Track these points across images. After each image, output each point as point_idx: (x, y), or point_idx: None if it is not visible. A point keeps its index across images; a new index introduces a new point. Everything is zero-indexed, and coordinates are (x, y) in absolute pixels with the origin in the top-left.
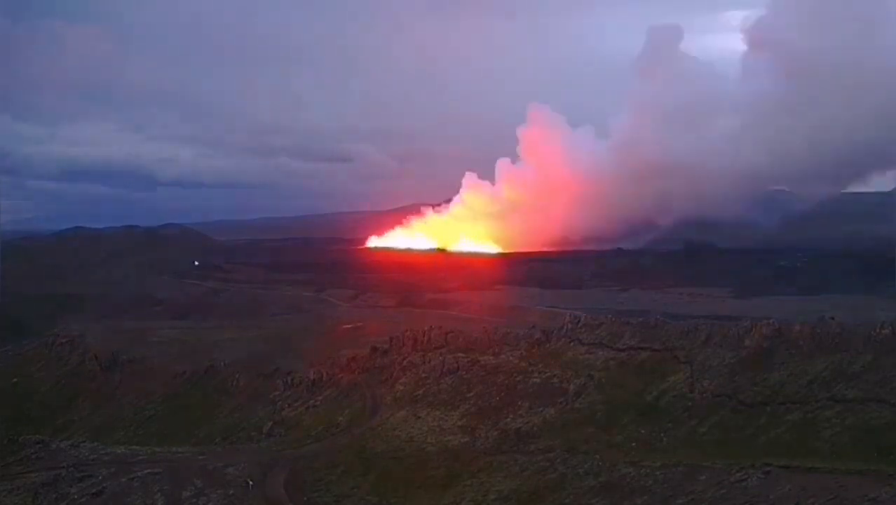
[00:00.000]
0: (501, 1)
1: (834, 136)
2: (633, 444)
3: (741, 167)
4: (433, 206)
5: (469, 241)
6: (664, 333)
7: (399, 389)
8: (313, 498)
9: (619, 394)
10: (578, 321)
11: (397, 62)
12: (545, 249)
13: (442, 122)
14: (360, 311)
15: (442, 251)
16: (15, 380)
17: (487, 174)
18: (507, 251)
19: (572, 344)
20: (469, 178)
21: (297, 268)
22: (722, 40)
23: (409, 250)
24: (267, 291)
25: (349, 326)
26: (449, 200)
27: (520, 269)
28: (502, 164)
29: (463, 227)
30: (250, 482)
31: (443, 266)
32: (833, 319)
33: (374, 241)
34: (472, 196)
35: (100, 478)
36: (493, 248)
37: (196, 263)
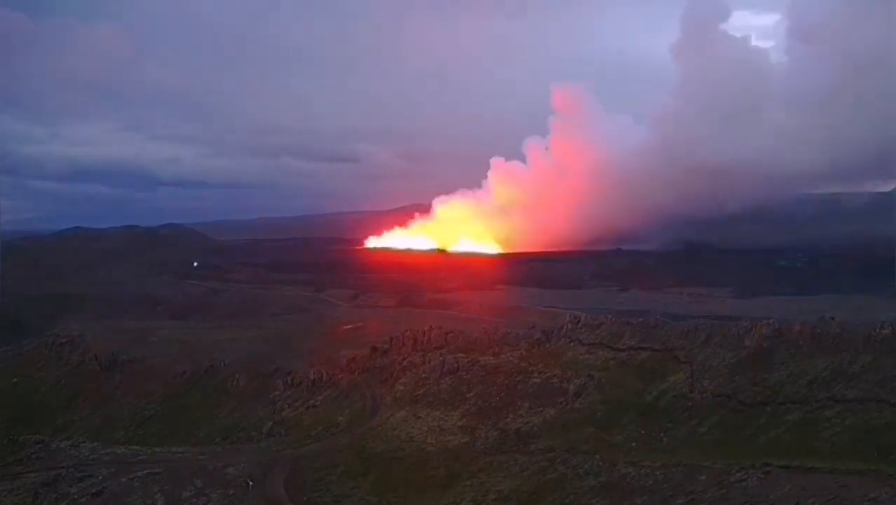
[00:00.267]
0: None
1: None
2: (633, 444)
3: (791, 165)
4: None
5: (469, 241)
6: (664, 333)
7: (399, 389)
8: (313, 498)
9: (619, 394)
10: (578, 321)
11: (401, 62)
12: (549, 249)
13: (446, 122)
14: (360, 311)
15: (442, 251)
16: (15, 380)
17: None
18: (507, 251)
19: (572, 344)
20: (497, 164)
21: (297, 268)
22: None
23: (409, 250)
24: (267, 291)
25: (349, 326)
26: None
27: (520, 269)
28: (532, 147)
29: (463, 227)
30: (250, 482)
31: (443, 266)
32: (833, 319)
33: (373, 241)
34: (502, 182)
35: (100, 478)
36: (493, 247)
37: (195, 263)
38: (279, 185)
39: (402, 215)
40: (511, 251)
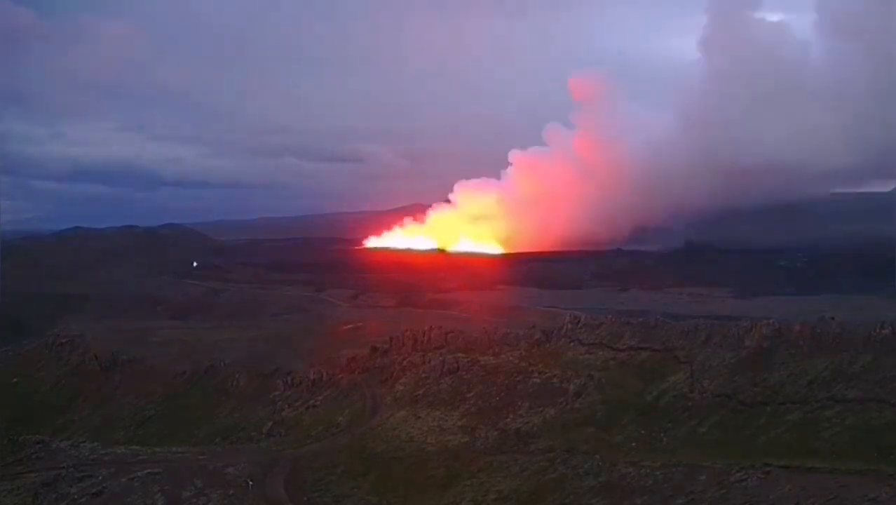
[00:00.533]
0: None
1: None
2: (633, 444)
3: (828, 162)
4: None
5: (469, 241)
6: (664, 333)
7: (399, 389)
8: (313, 498)
9: (619, 394)
10: (578, 321)
11: (402, 61)
12: (550, 249)
13: (447, 122)
14: (360, 311)
15: (442, 251)
16: (15, 380)
17: (494, 173)
18: (508, 251)
19: (572, 344)
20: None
21: (297, 268)
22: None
23: (409, 250)
24: (267, 291)
25: (349, 326)
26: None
27: (520, 269)
28: (552, 130)
29: (465, 226)
30: (250, 482)
31: (443, 266)
32: (833, 319)
33: (373, 241)
34: (523, 172)
35: (100, 478)
36: (494, 247)
37: (195, 264)
38: (282, 185)
39: (402, 215)
40: (511, 251)
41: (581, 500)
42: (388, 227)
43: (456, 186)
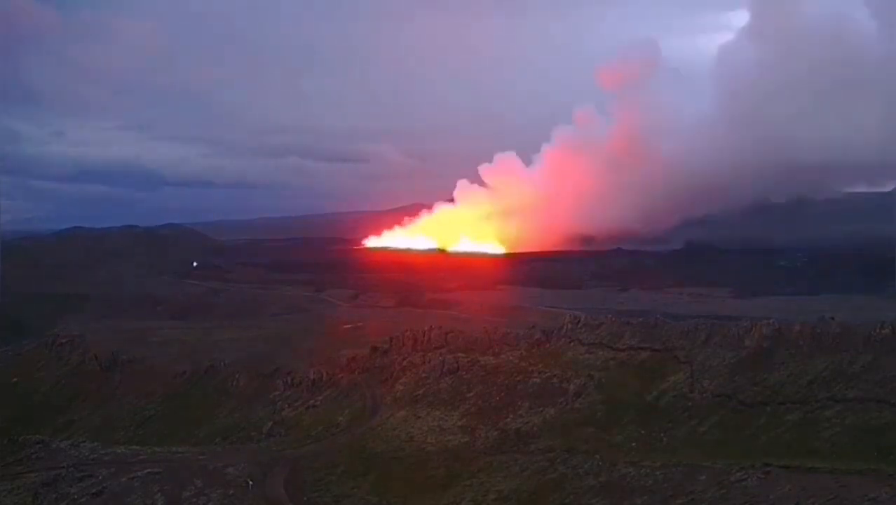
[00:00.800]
0: None
1: None
2: (633, 444)
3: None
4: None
5: (469, 241)
6: (664, 333)
7: (399, 389)
8: (313, 498)
9: (619, 394)
10: (578, 321)
11: (405, 61)
12: (555, 249)
13: (449, 121)
14: (360, 311)
15: (442, 251)
16: (15, 380)
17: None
18: (508, 251)
19: (572, 344)
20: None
21: (297, 268)
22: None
23: (409, 250)
24: (267, 291)
25: (349, 326)
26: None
27: (520, 269)
28: (583, 113)
29: (465, 226)
30: (250, 482)
31: (443, 266)
32: (833, 319)
33: (373, 241)
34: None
35: (100, 478)
36: (494, 247)
37: (195, 264)
38: (282, 185)
39: (402, 215)
40: (512, 251)
41: (581, 500)
42: (389, 227)
43: (458, 185)
